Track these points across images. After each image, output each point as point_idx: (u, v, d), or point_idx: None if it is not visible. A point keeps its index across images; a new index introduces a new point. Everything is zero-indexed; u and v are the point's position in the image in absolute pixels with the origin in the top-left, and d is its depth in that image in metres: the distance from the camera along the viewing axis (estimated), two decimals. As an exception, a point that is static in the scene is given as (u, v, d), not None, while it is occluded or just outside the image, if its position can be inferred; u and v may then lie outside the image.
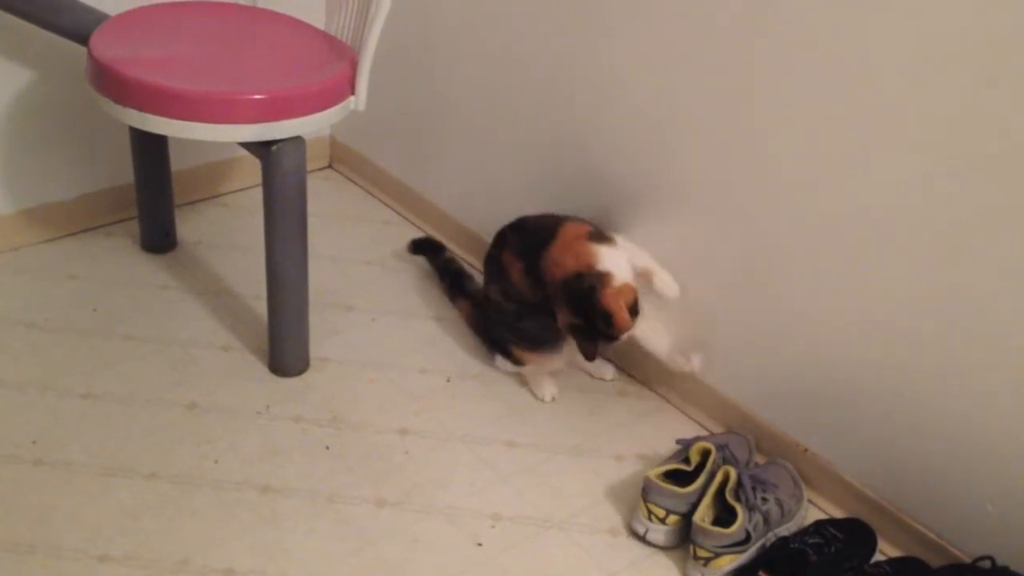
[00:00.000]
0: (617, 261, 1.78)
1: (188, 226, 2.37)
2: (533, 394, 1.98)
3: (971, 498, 1.59)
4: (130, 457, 1.75)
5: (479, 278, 2.16)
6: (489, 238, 2.29)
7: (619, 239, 1.84)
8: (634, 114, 1.89)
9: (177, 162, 2.27)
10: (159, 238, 2.27)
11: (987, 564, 1.52)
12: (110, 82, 1.72)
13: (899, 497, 1.69)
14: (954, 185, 1.48)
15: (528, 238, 1.90)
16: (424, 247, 2.31)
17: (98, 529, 1.61)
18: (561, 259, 1.80)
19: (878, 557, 1.67)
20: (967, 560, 1.58)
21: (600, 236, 1.82)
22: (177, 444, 1.78)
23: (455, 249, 2.36)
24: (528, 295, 1.87)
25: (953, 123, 1.45)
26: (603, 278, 1.74)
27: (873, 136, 1.55)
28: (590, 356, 1.80)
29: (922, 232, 1.54)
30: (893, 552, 1.69)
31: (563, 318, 1.78)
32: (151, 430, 1.81)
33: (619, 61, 1.88)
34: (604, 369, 2.03)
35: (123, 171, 2.28)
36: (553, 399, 1.97)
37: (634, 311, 1.76)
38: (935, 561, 1.60)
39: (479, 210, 2.33)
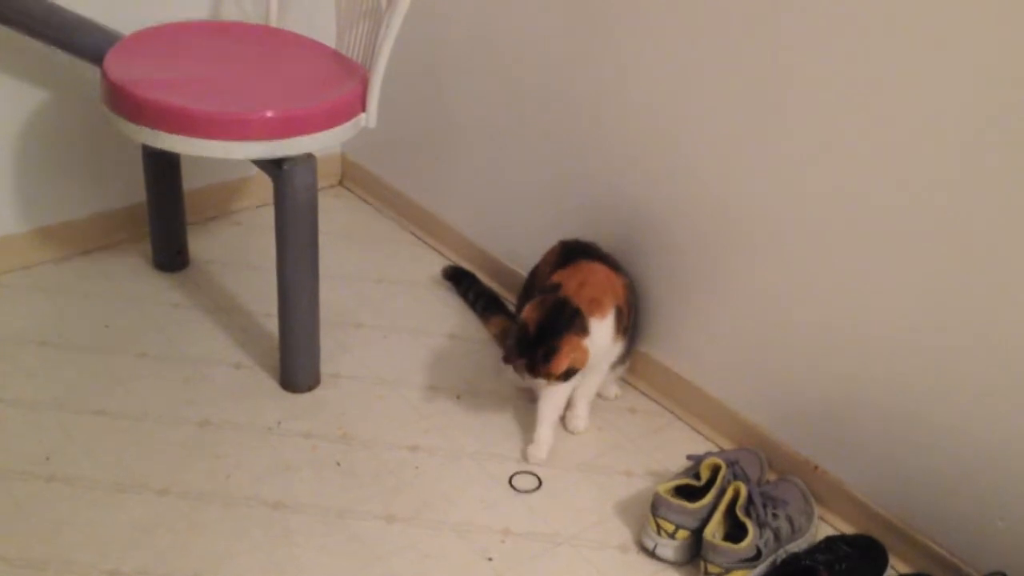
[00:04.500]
0: (603, 334, 1.80)
1: (200, 244, 2.39)
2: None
3: (981, 514, 1.59)
4: (142, 473, 1.75)
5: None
6: (502, 257, 2.31)
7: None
8: (653, 133, 1.90)
9: (189, 181, 2.29)
10: (171, 256, 2.29)
11: (998, 580, 1.52)
12: (124, 101, 1.74)
13: (910, 513, 1.69)
14: (968, 201, 1.48)
15: (577, 248, 1.94)
16: (456, 276, 2.32)
17: (110, 545, 1.62)
18: (577, 275, 1.82)
19: (889, 574, 1.66)
20: (978, 576, 1.58)
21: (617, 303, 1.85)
22: (189, 460, 1.79)
23: (468, 268, 2.37)
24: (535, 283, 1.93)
25: (966, 140, 1.46)
26: (583, 324, 1.76)
27: (888, 154, 1.56)
28: (507, 358, 1.79)
29: (933, 249, 1.54)
30: (904, 569, 1.68)
31: (525, 311, 1.79)
32: (163, 446, 1.82)
33: (637, 79, 1.89)
34: (609, 387, 2.03)
35: (136, 190, 2.30)
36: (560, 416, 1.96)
37: (569, 373, 1.77)
38: (946, 577, 1.60)
39: (491, 228, 2.34)
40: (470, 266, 2.37)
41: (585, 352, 1.76)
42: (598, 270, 1.85)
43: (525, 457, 1.88)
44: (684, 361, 1.98)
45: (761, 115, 1.70)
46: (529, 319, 1.76)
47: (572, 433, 1.94)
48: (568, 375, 1.78)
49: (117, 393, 1.92)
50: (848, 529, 1.76)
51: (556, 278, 1.84)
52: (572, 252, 1.91)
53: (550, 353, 1.73)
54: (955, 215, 1.50)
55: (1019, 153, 1.41)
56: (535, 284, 1.95)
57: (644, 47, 1.85)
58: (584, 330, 1.75)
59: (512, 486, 1.81)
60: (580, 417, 1.94)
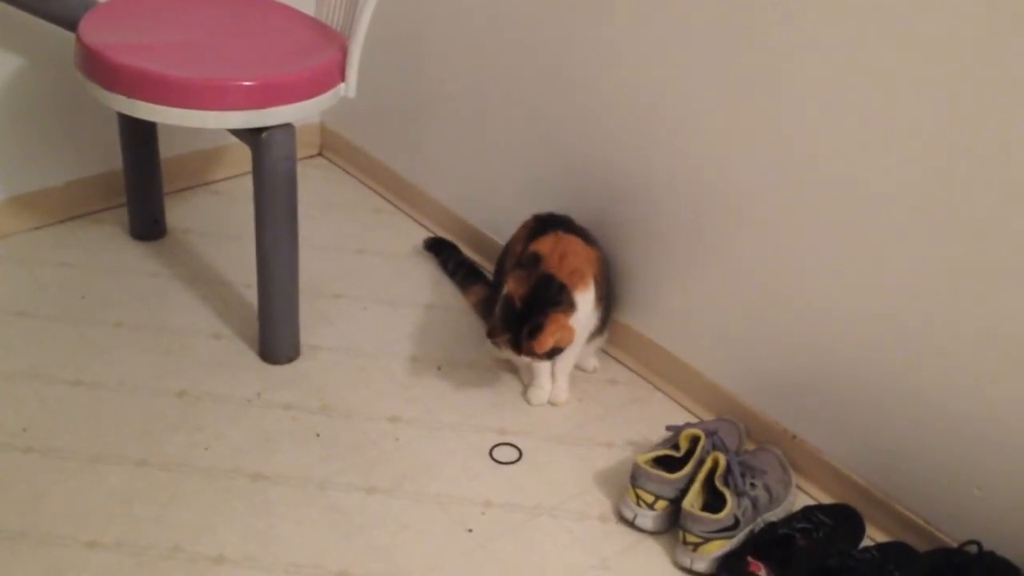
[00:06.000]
0: (586, 306, 1.80)
1: (178, 214, 2.37)
2: (522, 382, 1.98)
3: (958, 483, 1.60)
4: (120, 444, 1.75)
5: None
6: (481, 227, 2.31)
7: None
8: (635, 105, 1.89)
9: (166, 149, 2.27)
10: (149, 226, 2.27)
11: (974, 549, 1.53)
12: (99, 68, 1.71)
13: (887, 483, 1.70)
14: (947, 176, 1.49)
15: (551, 222, 1.93)
16: (438, 246, 2.31)
17: (88, 516, 1.61)
18: (557, 248, 1.81)
19: (866, 542, 1.68)
20: (954, 545, 1.59)
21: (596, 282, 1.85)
22: (168, 431, 1.78)
23: (448, 238, 2.36)
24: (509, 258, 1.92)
25: (956, 116, 1.46)
26: (570, 300, 1.76)
27: (873, 126, 1.55)
28: (492, 332, 1.80)
29: (911, 221, 1.54)
30: (881, 537, 1.70)
31: (510, 285, 1.78)
32: (142, 417, 1.81)
33: (621, 48, 1.88)
34: (588, 360, 2.03)
35: (113, 158, 2.27)
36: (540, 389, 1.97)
37: (553, 352, 1.78)
38: (922, 546, 1.61)
39: (471, 199, 2.33)
40: (450, 237, 2.36)
41: (571, 331, 1.76)
42: (575, 242, 1.85)
43: (527, 399, 1.93)
44: (664, 333, 1.98)
45: (744, 87, 1.69)
46: (515, 293, 1.75)
47: (552, 405, 1.94)
48: (552, 354, 1.78)
49: (95, 364, 1.91)
50: (826, 498, 1.78)
51: (534, 247, 1.83)
52: (546, 225, 1.91)
53: (535, 330, 1.73)
54: (933, 190, 1.50)
55: (1002, 131, 1.41)
56: (507, 261, 1.94)
57: (627, 19, 1.84)
58: (571, 306, 1.76)
59: (493, 458, 1.81)
60: (560, 389, 1.94)
